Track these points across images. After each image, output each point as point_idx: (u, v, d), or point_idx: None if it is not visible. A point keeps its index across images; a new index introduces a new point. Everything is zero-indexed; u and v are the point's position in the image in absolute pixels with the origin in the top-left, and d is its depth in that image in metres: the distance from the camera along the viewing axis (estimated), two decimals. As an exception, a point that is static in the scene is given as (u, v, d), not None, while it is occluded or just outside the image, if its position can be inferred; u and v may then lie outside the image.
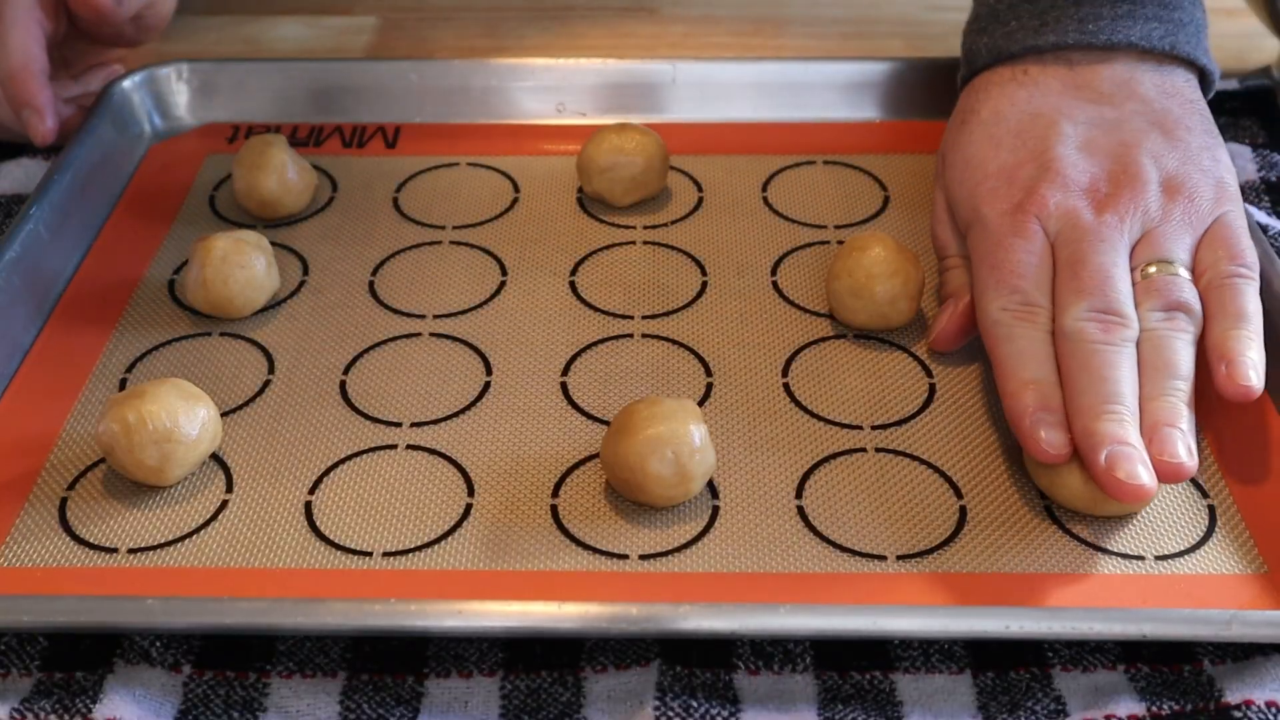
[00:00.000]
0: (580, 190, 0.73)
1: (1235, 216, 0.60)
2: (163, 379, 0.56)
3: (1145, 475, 0.51)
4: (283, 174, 0.70)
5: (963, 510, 0.55)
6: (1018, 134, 0.63)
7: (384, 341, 0.63)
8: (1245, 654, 0.50)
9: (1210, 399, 0.59)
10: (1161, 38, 0.64)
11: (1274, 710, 0.48)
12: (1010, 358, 0.56)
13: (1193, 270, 0.58)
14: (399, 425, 0.59)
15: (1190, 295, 0.57)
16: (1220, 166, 0.61)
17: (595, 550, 0.53)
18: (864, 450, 0.57)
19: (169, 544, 0.53)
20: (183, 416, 0.54)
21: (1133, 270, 0.57)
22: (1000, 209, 0.60)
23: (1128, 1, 0.64)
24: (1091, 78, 0.64)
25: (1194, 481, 0.56)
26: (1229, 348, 0.55)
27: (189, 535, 0.54)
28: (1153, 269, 0.57)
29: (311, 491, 0.56)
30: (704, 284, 0.67)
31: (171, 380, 0.56)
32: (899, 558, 0.53)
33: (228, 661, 0.50)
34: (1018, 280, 0.57)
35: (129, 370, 0.62)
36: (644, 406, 0.54)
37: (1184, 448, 0.52)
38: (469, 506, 0.55)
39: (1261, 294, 0.57)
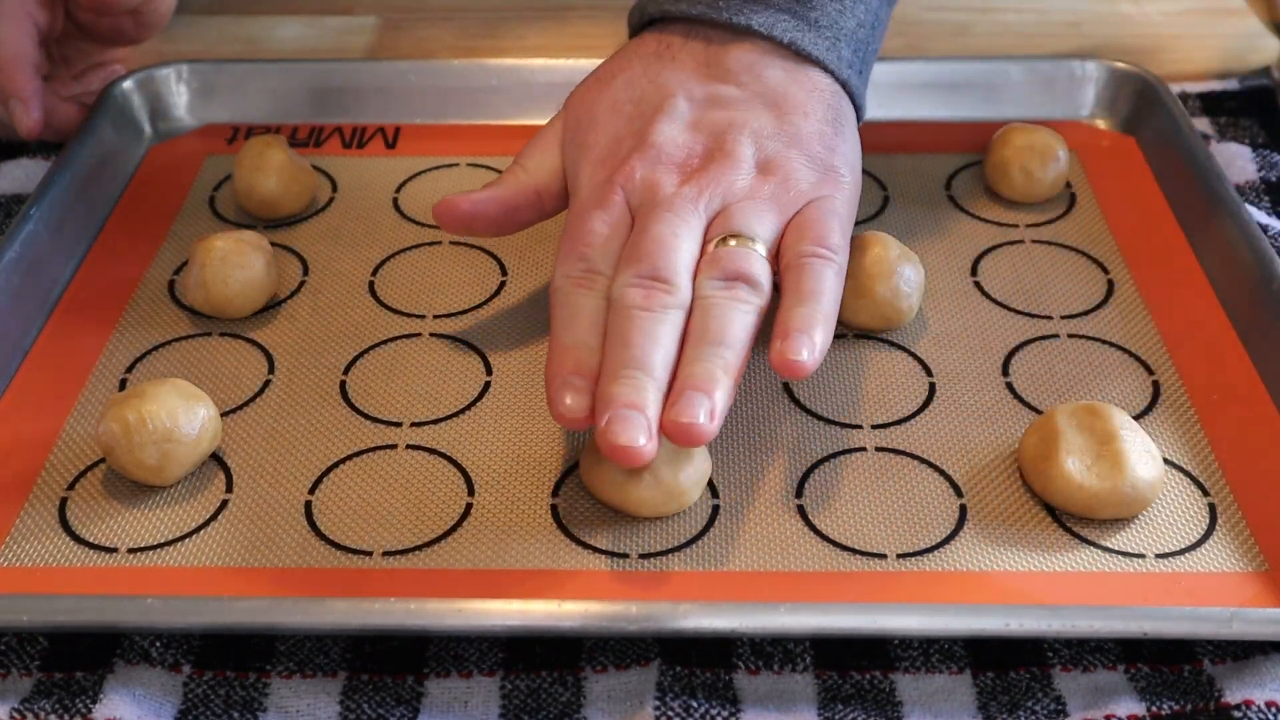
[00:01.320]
0: (580, 190, 0.73)
1: (834, 203, 0.58)
2: (163, 379, 0.56)
3: (642, 439, 0.49)
4: (282, 174, 0.70)
5: (963, 509, 0.55)
6: (637, 104, 0.61)
7: (384, 341, 0.63)
8: (1245, 653, 0.50)
9: (1213, 399, 0.60)
10: (785, 30, 0.62)
11: (1274, 710, 0.48)
12: (559, 323, 0.55)
13: (777, 251, 0.57)
14: (399, 425, 0.59)
15: (757, 269, 0.55)
16: (835, 155, 0.60)
17: (595, 550, 0.53)
18: (864, 449, 0.57)
19: (169, 543, 0.53)
20: (183, 416, 0.54)
21: (707, 243, 0.56)
22: (595, 180, 0.59)
23: None
24: (724, 57, 0.62)
25: (1194, 480, 0.56)
26: (788, 324, 0.53)
27: (189, 535, 0.54)
28: (731, 243, 0.56)
29: (311, 491, 0.56)
30: (704, 284, 0.67)
31: (171, 380, 0.56)
32: (899, 556, 0.53)
33: (228, 661, 0.50)
34: (585, 249, 0.57)
35: (129, 370, 0.62)
36: None
37: (703, 411, 0.50)
38: (469, 506, 0.55)
39: (1262, 294, 0.57)
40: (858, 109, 0.64)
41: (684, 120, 0.60)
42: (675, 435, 0.50)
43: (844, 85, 0.63)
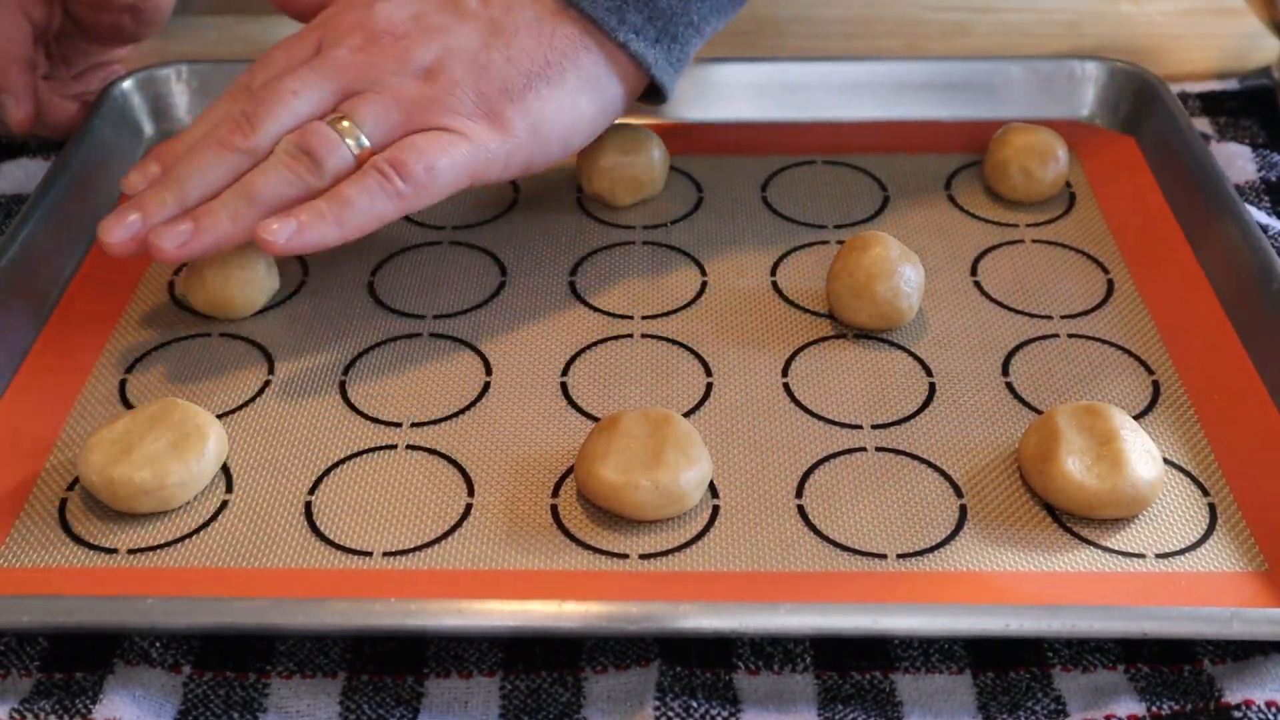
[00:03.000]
0: (580, 190, 0.73)
1: (460, 142, 0.59)
2: (167, 404, 0.56)
3: (113, 233, 0.57)
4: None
5: (963, 509, 0.55)
6: None
7: (384, 341, 0.63)
8: (1245, 653, 0.50)
9: (1213, 399, 0.60)
10: None
11: (1274, 710, 0.48)
12: (194, 122, 0.61)
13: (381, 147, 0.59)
14: (399, 425, 0.59)
15: (330, 154, 0.58)
16: (515, 107, 0.60)
17: (595, 550, 0.53)
18: (864, 449, 0.57)
19: (169, 544, 0.53)
20: (174, 476, 0.54)
21: (323, 115, 0.59)
22: (321, 19, 0.63)
23: None
24: None
25: (1194, 480, 0.56)
26: (295, 209, 0.57)
27: (189, 535, 0.54)
28: (342, 124, 0.58)
29: (311, 491, 0.56)
30: (704, 284, 0.67)
31: (169, 416, 0.55)
32: (899, 556, 0.53)
33: (228, 662, 0.50)
34: (256, 70, 0.61)
35: (129, 370, 0.62)
36: (606, 433, 0.54)
37: (176, 239, 0.57)
38: (469, 506, 0.55)
39: (1262, 294, 0.57)
40: (656, 82, 0.63)
41: (413, 8, 0.61)
42: (149, 245, 0.57)
43: (624, 49, 0.61)
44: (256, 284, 0.64)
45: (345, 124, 0.58)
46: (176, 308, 0.65)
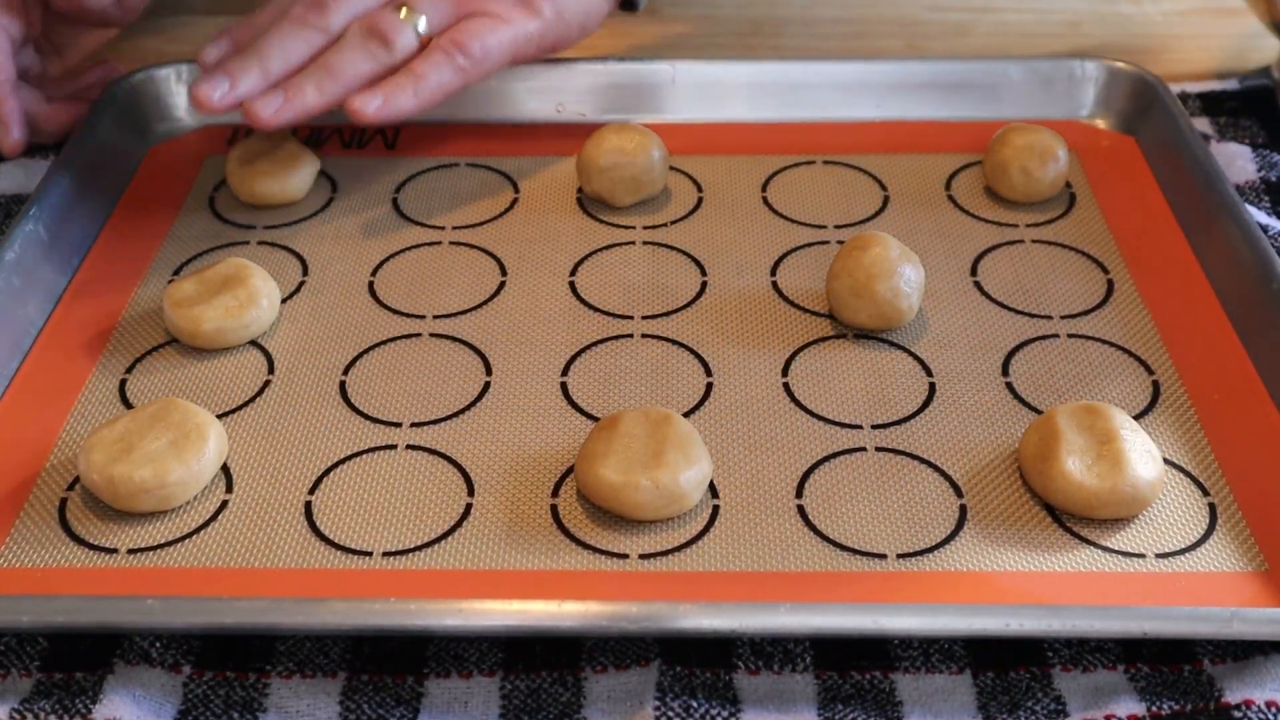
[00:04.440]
0: (580, 190, 0.73)
1: (501, 25, 0.69)
2: (167, 403, 0.56)
3: (216, 95, 0.65)
4: (278, 159, 0.72)
5: (963, 509, 0.55)
6: None
7: (384, 341, 0.63)
8: (1245, 653, 0.50)
9: (1213, 399, 0.60)
10: None
11: (1274, 710, 0.48)
12: (258, 11, 0.69)
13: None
14: (399, 425, 0.59)
15: (398, 36, 0.67)
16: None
17: (595, 550, 0.53)
18: (864, 450, 0.57)
19: (169, 544, 0.53)
20: (174, 474, 0.54)
21: (386, 6, 0.68)
22: None
23: None
24: None
25: (1194, 480, 0.56)
26: (378, 85, 0.66)
27: (189, 535, 0.54)
28: (401, 11, 0.68)
29: (311, 491, 0.56)
30: (704, 284, 0.67)
31: (169, 415, 0.55)
32: (899, 556, 0.53)
33: (227, 662, 0.50)
34: None
35: (129, 370, 0.62)
36: (606, 433, 0.54)
37: (271, 106, 0.65)
38: (469, 506, 0.55)
39: (1262, 294, 0.57)
40: None
41: None
42: (245, 111, 0.65)
43: None
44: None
45: (406, 11, 0.67)
46: (176, 308, 0.65)
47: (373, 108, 0.65)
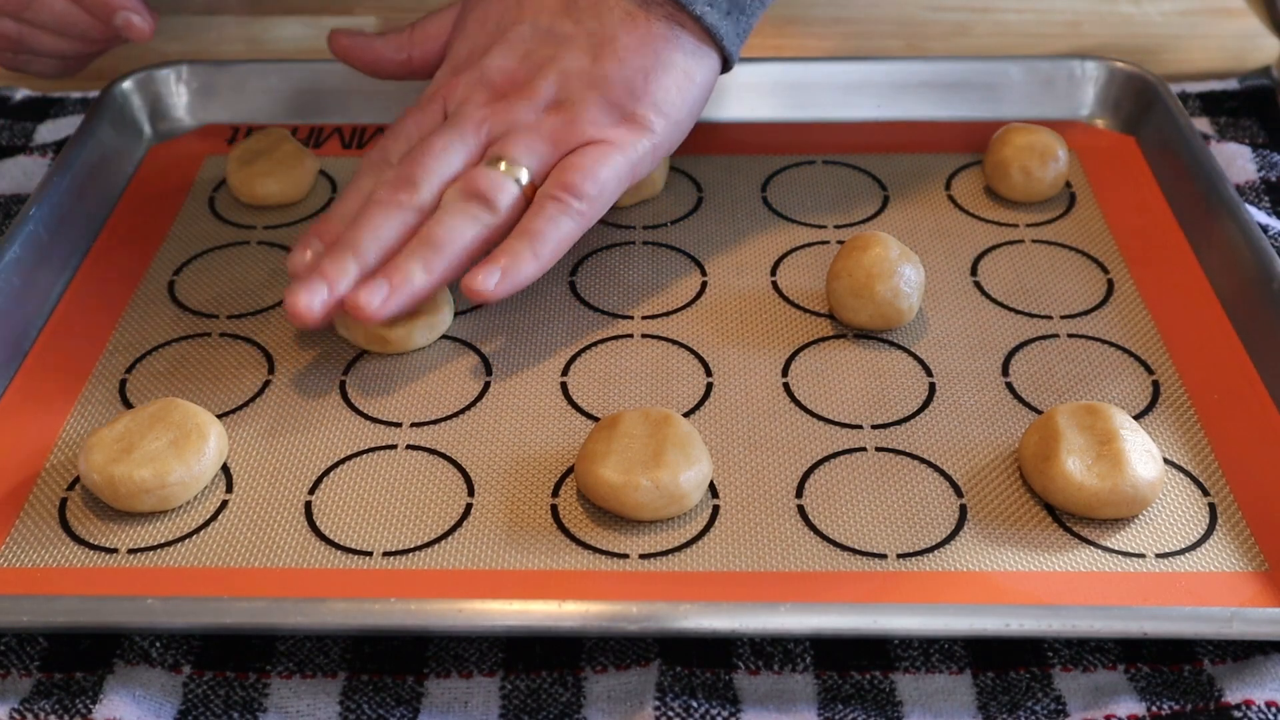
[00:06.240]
0: (580, 190, 0.73)
1: (613, 150, 0.61)
2: (167, 403, 0.56)
3: (315, 305, 0.57)
4: (278, 159, 0.72)
5: (963, 509, 0.55)
6: (497, 22, 0.64)
7: (384, 341, 0.63)
8: (1245, 653, 0.50)
9: (1213, 399, 0.60)
10: None
11: (1274, 710, 0.48)
12: (342, 195, 0.62)
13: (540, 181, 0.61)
14: (399, 425, 0.59)
15: (499, 192, 0.59)
16: (642, 102, 0.62)
17: (595, 550, 0.53)
18: (864, 449, 0.57)
19: (169, 544, 0.53)
20: (175, 474, 0.54)
21: (477, 163, 0.61)
22: (435, 84, 0.65)
23: None
24: None
25: (1194, 480, 0.56)
26: (493, 253, 0.59)
27: (189, 535, 0.54)
28: (500, 165, 0.60)
29: (311, 491, 0.56)
30: (704, 284, 0.67)
31: (171, 410, 0.55)
32: (899, 556, 0.53)
33: (228, 662, 0.50)
34: (389, 142, 0.63)
35: (129, 370, 0.62)
36: (606, 433, 0.54)
37: (377, 297, 0.57)
38: (469, 506, 0.55)
39: (1262, 294, 0.57)
40: (724, 52, 0.64)
41: (518, 50, 0.63)
42: (349, 309, 0.57)
43: (699, 22, 0.63)
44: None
45: (503, 164, 0.60)
46: (177, 308, 0.65)
47: (493, 283, 0.58)
